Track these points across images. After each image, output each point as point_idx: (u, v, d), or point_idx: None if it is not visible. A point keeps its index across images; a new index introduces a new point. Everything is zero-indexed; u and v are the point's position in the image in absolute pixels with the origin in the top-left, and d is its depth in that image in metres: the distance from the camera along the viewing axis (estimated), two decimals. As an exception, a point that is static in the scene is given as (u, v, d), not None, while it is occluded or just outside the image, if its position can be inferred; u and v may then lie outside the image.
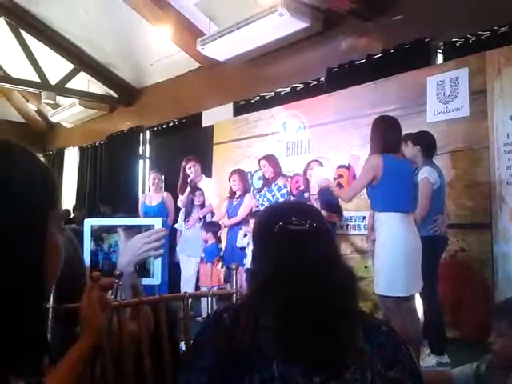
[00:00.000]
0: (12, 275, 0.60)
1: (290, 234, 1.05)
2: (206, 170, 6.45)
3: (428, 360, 3.47)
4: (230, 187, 5.29)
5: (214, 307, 1.42)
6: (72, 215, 9.09)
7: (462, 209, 4.24)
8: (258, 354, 0.97)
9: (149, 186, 6.19)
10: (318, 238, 1.05)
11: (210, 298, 1.52)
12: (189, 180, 5.39)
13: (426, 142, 3.69)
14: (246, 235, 4.87)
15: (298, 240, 1.04)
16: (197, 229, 5.36)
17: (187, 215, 5.38)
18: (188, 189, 5.37)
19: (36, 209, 0.64)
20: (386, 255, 3.05)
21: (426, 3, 4.92)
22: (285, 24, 5.55)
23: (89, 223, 1.36)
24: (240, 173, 5.36)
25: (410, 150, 3.68)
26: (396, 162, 3.11)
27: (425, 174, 3.53)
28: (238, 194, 5.22)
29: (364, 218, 4.78)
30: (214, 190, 5.59)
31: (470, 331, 4.09)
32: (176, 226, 5.44)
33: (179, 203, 5.57)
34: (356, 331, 0.98)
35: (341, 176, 5.25)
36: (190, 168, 5.44)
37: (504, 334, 1.61)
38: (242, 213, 5.13)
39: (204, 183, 5.55)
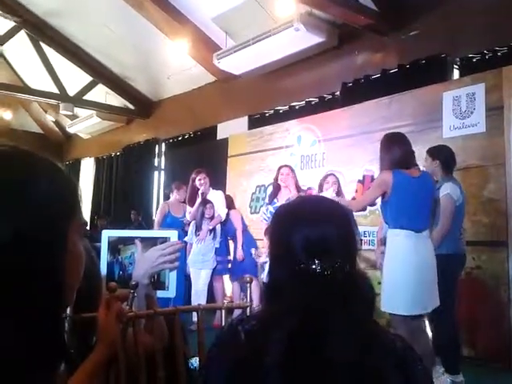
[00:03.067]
0: (34, 283, 0.62)
1: (306, 247, 1.03)
2: (220, 183, 6.47)
3: (442, 379, 3.41)
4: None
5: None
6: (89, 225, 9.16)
7: (477, 226, 4.19)
8: (272, 369, 0.96)
9: (168, 195, 6.15)
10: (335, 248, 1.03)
11: (223, 311, 1.52)
12: (200, 192, 5.39)
13: (444, 157, 3.64)
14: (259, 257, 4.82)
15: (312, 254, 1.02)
16: (208, 241, 5.35)
17: (198, 228, 5.37)
18: (198, 201, 5.37)
19: (57, 218, 0.65)
20: (389, 272, 3.05)
21: (442, 19, 4.93)
22: (300, 39, 5.59)
23: (106, 234, 1.38)
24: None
25: (428, 165, 3.64)
26: (407, 179, 3.07)
27: (447, 190, 3.47)
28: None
29: (378, 233, 4.75)
30: (222, 201, 5.59)
31: (486, 350, 4.03)
32: (186, 239, 5.42)
33: (187, 215, 5.53)
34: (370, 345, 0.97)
35: (355, 191, 5.23)
36: (200, 180, 5.44)
37: None
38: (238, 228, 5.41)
39: (212, 195, 5.55)
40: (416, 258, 3.01)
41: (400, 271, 2.98)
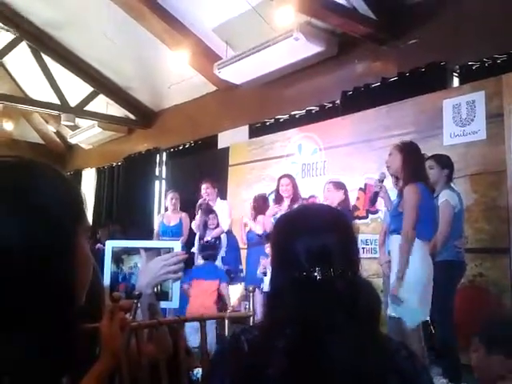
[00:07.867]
0: (45, 288, 0.63)
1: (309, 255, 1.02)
2: (221, 192, 6.48)
3: (445, 387, 3.40)
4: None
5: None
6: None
7: (479, 233, 4.19)
8: (275, 379, 0.96)
9: (166, 206, 6.21)
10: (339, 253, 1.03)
11: (226, 321, 1.52)
12: (199, 203, 5.43)
13: (451, 166, 3.69)
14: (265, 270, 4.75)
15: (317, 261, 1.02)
16: None
17: (201, 238, 5.38)
18: (199, 212, 5.40)
19: (65, 223, 0.66)
20: (415, 282, 3.08)
21: (441, 27, 4.95)
22: (300, 48, 5.62)
23: (110, 245, 1.38)
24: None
25: (436, 173, 3.67)
26: (426, 190, 3.16)
27: (445, 197, 3.52)
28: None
29: (380, 241, 4.74)
30: (227, 212, 5.61)
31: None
32: (193, 249, 5.44)
33: (193, 226, 5.59)
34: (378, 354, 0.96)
35: (357, 198, 5.23)
36: (206, 188, 5.50)
37: (476, 349, 1.61)
38: None
39: (218, 206, 5.57)
40: (427, 266, 3.11)
41: (425, 280, 3.04)
